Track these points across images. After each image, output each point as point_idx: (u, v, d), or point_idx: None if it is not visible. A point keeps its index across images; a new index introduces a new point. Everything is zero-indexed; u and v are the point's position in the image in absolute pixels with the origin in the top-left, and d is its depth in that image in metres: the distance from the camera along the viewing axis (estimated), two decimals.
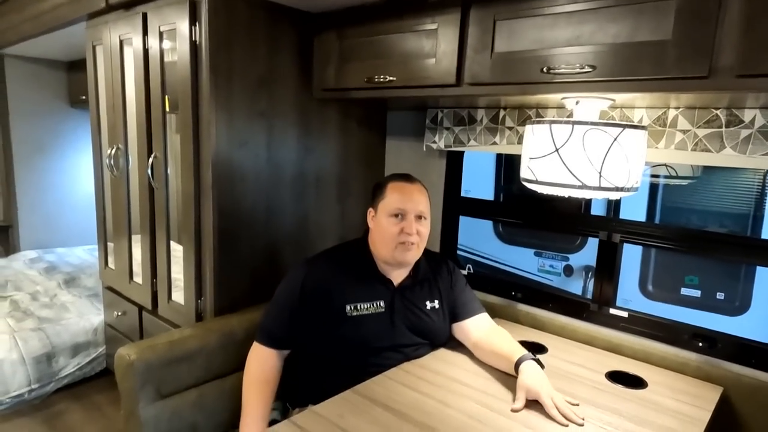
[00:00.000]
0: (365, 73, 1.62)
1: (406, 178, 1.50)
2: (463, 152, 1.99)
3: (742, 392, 1.39)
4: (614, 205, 2.25)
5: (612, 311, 1.64)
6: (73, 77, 3.46)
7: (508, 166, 2.60)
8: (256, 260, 1.76)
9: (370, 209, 1.51)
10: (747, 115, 1.27)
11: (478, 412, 1.22)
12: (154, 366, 1.36)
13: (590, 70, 1.16)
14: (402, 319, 1.48)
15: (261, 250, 1.78)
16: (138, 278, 1.98)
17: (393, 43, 1.56)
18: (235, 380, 1.50)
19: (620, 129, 1.16)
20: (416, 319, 1.50)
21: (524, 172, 1.31)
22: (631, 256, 2.41)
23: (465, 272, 2.02)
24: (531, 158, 1.27)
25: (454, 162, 2.00)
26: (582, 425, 1.17)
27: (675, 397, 1.33)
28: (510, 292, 1.86)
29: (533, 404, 1.24)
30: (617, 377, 1.42)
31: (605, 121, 1.20)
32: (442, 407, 1.24)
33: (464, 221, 2.09)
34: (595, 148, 1.17)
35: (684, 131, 1.36)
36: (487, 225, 2.78)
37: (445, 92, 1.45)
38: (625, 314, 1.62)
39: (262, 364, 1.43)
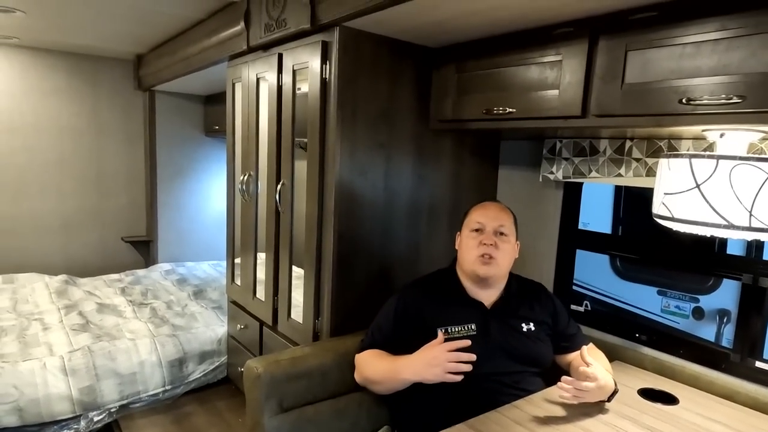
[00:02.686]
0: (484, 105, 1.63)
1: (490, 200, 1.64)
2: (581, 183, 1.91)
3: None
4: (756, 247, 2.03)
5: (759, 364, 1.47)
6: (208, 109, 3.87)
7: (628, 198, 2.45)
8: (370, 284, 1.83)
9: (458, 233, 1.59)
10: None
11: None
12: (278, 380, 1.45)
13: (739, 100, 1.08)
14: (498, 342, 1.47)
15: (375, 274, 1.84)
16: (261, 295, 2.14)
17: (513, 75, 1.56)
18: (348, 400, 1.55)
19: None
20: (513, 341, 1.49)
21: (658, 209, 1.24)
22: None
23: (582, 309, 1.92)
24: (666, 194, 1.20)
25: (572, 193, 1.93)
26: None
27: None
28: (633, 333, 1.73)
29: None
30: None
31: (756, 155, 1.10)
32: None
33: (579, 254, 2.00)
34: (745, 184, 1.07)
35: None
36: (603, 259, 2.63)
37: (569, 123, 1.42)
38: None
39: (369, 355, 1.51)
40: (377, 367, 1.48)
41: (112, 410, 2.23)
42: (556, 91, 1.43)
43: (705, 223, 1.12)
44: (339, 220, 1.71)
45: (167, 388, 2.37)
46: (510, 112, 1.55)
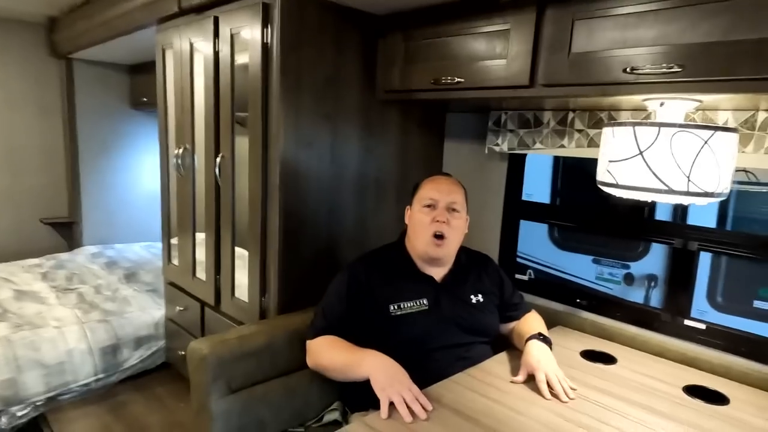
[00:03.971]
0: (431, 75, 1.61)
1: (444, 174, 1.57)
2: (525, 155, 1.95)
3: None
4: (681, 212, 2.16)
5: (687, 322, 1.57)
6: (135, 80, 3.60)
7: (566, 170, 2.54)
8: (317, 260, 1.78)
9: (408, 207, 1.56)
10: None
11: (550, 419, 1.19)
12: (226, 360, 1.39)
13: (679, 69, 1.11)
14: (449, 315, 1.48)
15: (322, 250, 1.79)
16: (201, 274, 2.03)
17: (461, 44, 1.54)
18: (300, 378, 1.51)
19: (711, 132, 1.11)
20: (463, 313, 1.51)
21: (602, 176, 1.27)
22: (699, 265, 2.32)
23: (526, 278, 1.98)
24: (611, 161, 1.23)
25: (516, 165, 1.96)
26: (566, 402, 1.26)
27: (763, 416, 1.26)
28: (574, 299, 1.81)
29: (638, 409, 1.22)
30: (696, 392, 1.36)
31: (693, 123, 1.15)
32: (514, 414, 1.21)
33: (520, 226, 2.04)
34: (684, 151, 1.12)
35: None
36: (541, 230, 2.72)
37: (517, 93, 1.43)
38: (702, 326, 1.54)
39: (327, 344, 1.43)
40: (334, 358, 1.40)
41: (37, 403, 2.06)
42: (504, 61, 1.42)
43: (647, 188, 1.16)
44: (285, 195, 1.64)
45: (100, 376, 2.22)
46: (458, 82, 1.54)
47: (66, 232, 3.72)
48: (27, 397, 2.02)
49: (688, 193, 1.13)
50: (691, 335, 1.56)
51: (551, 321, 1.80)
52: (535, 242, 2.68)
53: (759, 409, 1.29)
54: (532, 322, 1.59)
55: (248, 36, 1.62)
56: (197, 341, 1.43)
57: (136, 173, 3.79)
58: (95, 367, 2.20)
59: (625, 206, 1.59)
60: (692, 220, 2.07)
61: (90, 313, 2.43)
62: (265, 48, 1.57)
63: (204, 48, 1.83)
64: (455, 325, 1.48)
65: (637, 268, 2.44)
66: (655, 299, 2.29)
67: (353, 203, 1.86)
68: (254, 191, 1.67)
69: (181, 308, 2.21)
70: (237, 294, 1.86)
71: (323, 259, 1.80)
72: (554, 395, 1.28)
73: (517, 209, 1.98)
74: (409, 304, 1.46)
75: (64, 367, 2.12)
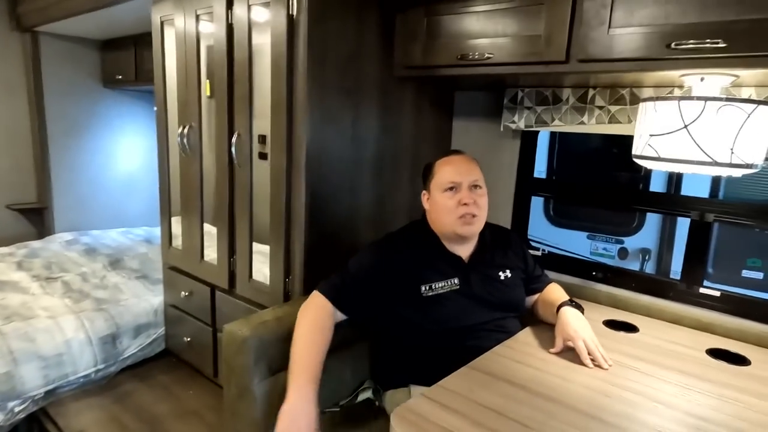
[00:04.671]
0: (458, 50, 1.60)
1: (454, 152, 1.54)
2: (537, 133, 1.98)
3: None
4: (675, 184, 2.27)
5: (702, 290, 1.66)
6: (107, 57, 3.40)
7: (562, 146, 2.60)
8: (339, 240, 1.75)
9: (424, 192, 1.53)
10: None
11: (596, 385, 1.23)
12: (267, 342, 1.36)
13: (724, 45, 1.15)
14: (479, 294, 1.47)
15: (343, 229, 1.77)
16: (211, 257, 1.97)
17: (490, 19, 1.54)
18: (334, 358, 1.48)
19: (755, 105, 1.16)
20: (493, 290, 1.50)
21: (642, 150, 1.31)
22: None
23: (539, 253, 2.02)
24: (652, 135, 1.27)
25: (529, 143, 1.99)
26: (606, 369, 1.29)
27: None
28: (589, 272, 1.87)
29: (669, 372, 1.30)
30: (719, 354, 1.44)
31: (736, 97, 1.20)
32: (562, 381, 1.24)
33: None
34: (729, 124, 1.16)
35: None
36: (537, 208, 2.79)
37: (552, 69, 1.44)
38: (717, 293, 1.63)
39: (318, 311, 1.36)
40: (294, 349, 1.31)
41: (36, 398, 1.95)
42: (539, 36, 1.43)
43: (691, 161, 1.21)
44: (310, 173, 1.60)
45: (100, 367, 2.13)
46: (488, 57, 1.54)
47: (35, 219, 3.50)
48: (25, 392, 1.91)
49: (730, 165, 1.19)
50: (705, 303, 1.64)
51: (567, 293, 1.85)
52: (532, 220, 2.75)
53: None
54: (556, 291, 1.61)
55: (271, 6, 1.55)
56: (234, 324, 1.38)
57: (110, 155, 3.60)
58: (95, 357, 2.10)
59: (623, 180, 1.65)
60: (685, 191, 2.18)
61: (81, 302, 2.32)
62: (291, 20, 1.52)
63: (216, 21, 1.74)
64: (486, 303, 1.48)
65: (631, 242, 2.55)
66: (650, 271, 2.41)
67: (371, 181, 1.84)
68: (278, 169, 1.63)
69: (186, 293, 2.13)
70: (255, 276, 1.81)
71: (344, 238, 1.77)
72: (595, 363, 1.31)
73: (529, 186, 2.01)
74: (440, 284, 1.44)
75: (62, 359, 2.01)
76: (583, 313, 1.44)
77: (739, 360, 1.42)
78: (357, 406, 1.54)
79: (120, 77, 3.28)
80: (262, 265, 1.80)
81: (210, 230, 1.98)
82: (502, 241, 1.63)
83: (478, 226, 1.47)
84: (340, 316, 1.41)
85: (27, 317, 2.10)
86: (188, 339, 2.16)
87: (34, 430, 2.05)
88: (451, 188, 1.43)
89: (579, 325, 1.38)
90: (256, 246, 1.81)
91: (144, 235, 3.51)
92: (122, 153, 3.65)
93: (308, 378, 1.27)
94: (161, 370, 2.25)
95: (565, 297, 1.53)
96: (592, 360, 1.31)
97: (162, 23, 2.03)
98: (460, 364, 1.30)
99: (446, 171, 1.46)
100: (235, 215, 1.83)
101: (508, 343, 1.44)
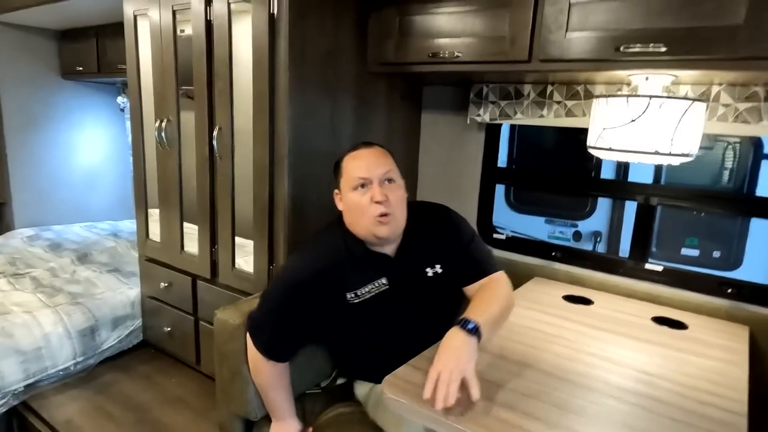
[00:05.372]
0: (429, 49, 1.71)
1: (362, 144, 1.39)
2: (500, 125, 2.13)
3: (764, 328, 1.63)
4: (623, 172, 2.48)
5: (647, 266, 1.85)
6: (66, 47, 3.32)
7: (521, 138, 2.77)
8: (319, 228, 1.84)
9: (336, 191, 1.40)
10: None
11: (564, 352, 1.39)
12: None
13: (665, 49, 1.32)
14: (405, 293, 1.39)
15: (323, 216, 1.85)
16: (191, 248, 2.02)
17: (460, 20, 1.65)
18: (314, 346, 1.57)
19: (690, 102, 1.33)
20: (423, 289, 1.41)
21: (596, 142, 1.47)
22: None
23: (503, 236, 2.18)
24: (605, 128, 1.43)
25: (493, 135, 2.13)
26: (441, 409, 1.03)
27: (715, 336, 1.56)
28: (550, 253, 2.04)
29: (621, 337, 1.46)
30: (662, 321, 1.64)
31: (673, 95, 1.37)
32: (532, 349, 1.39)
33: None
34: (669, 118, 1.33)
35: (726, 105, 1.55)
36: (498, 196, 2.96)
37: (516, 68, 1.58)
38: (660, 268, 1.83)
39: (266, 370, 1.38)
40: (264, 394, 1.42)
41: (16, 392, 1.96)
42: (504, 37, 1.56)
43: (637, 151, 1.37)
44: (293, 164, 1.68)
45: (79, 359, 2.15)
46: (457, 56, 1.66)
47: None
48: (5, 386, 1.92)
49: (670, 155, 1.36)
50: (651, 277, 1.84)
51: (528, 274, 2.03)
52: (495, 208, 2.92)
53: (712, 330, 1.59)
54: (484, 296, 1.33)
55: (250, 6, 1.62)
56: (225, 312, 1.47)
57: (71, 149, 3.53)
58: (74, 350, 2.12)
59: (577, 168, 1.82)
60: (632, 178, 2.40)
61: (55, 297, 2.31)
62: (272, 19, 1.59)
63: (194, 17, 1.78)
64: (414, 301, 1.40)
65: (584, 226, 2.76)
66: (601, 251, 2.62)
67: None
68: (260, 161, 1.70)
69: (165, 284, 2.17)
70: (238, 265, 1.88)
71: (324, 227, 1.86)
72: (432, 395, 1.04)
73: (493, 175, 2.16)
74: (366, 288, 1.35)
75: (41, 353, 2.02)
76: (478, 336, 1.15)
77: (679, 325, 1.62)
78: (336, 388, 1.64)
79: (81, 69, 3.22)
80: (244, 254, 1.87)
81: (190, 221, 2.02)
82: (433, 225, 1.45)
83: (396, 224, 1.33)
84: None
85: (1, 313, 2.09)
86: (168, 329, 2.20)
87: (13, 424, 2.06)
88: (361, 185, 1.30)
89: (449, 355, 1.09)
90: (238, 238, 1.87)
91: (109, 230, 3.48)
92: (83, 146, 3.58)
93: (283, 413, 1.43)
94: (141, 361, 2.28)
95: (486, 307, 1.27)
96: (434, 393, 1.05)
97: (135, 18, 2.04)
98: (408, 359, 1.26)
99: (354, 167, 1.33)
100: (216, 206, 1.89)
101: None
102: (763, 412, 1.50)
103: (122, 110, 3.63)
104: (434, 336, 1.27)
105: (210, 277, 1.97)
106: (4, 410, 1.95)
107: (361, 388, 1.53)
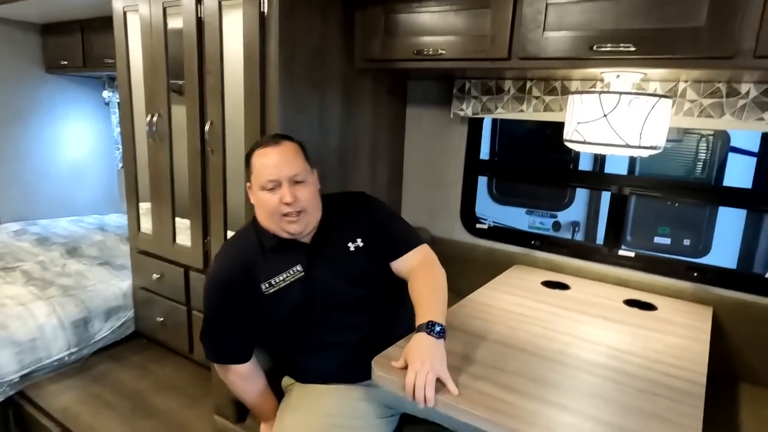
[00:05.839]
0: (414, 46, 1.78)
1: (272, 141, 1.36)
2: (482, 120, 2.21)
3: (727, 309, 1.75)
4: (600, 164, 2.60)
5: (621, 252, 1.96)
6: (49, 41, 3.31)
7: (503, 130, 2.86)
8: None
9: (248, 184, 1.39)
10: (743, 88, 1.58)
11: (540, 332, 1.48)
12: None
13: (634, 48, 1.41)
14: (330, 273, 1.38)
15: None
16: (184, 240, 2.07)
17: (443, 19, 1.73)
18: None
19: (657, 98, 1.43)
20: (345, 266, 1.40)
21: (571, 135, 1.56)
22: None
23: (485, 226, 2.27)
24: (579, 123, 1.52)
25: (475, 128, 2.22)
26: (423, 407, 1.10)
27: (681, 316, 1.67)
28: (530, 241, 2.14)
29: (594, 318, 1.55)
30: (633, 303, 1.75)
31: (643, 92, 1.47)
32: (509, 330, 1.49)
33: None
34: (638, 113, 1.43)
35: (691, 101, 1.66)
36: (481, 187, 3.05)
37: (496, 65, 1.66)
38: (632, 254, 1.94)
39: (235, 380, 1.42)
40: (246, 401, 1.49)
41: (12, 382, 2.00)
42: (485, 36, 1.64)
43: (609, 144, 1.47)
44: None
45: (73, 350, 2.19)
46: (441, 54, 1.74)
47: None
48: (1, 376, 1.95)
49: (639, 147, 1.46)
50: (624, 263, 1.95)
51: (509, 261, 2.13)
52: (477, 200, 3.02)
53: (678, 311, 1.71)
54: (428, 288, 1.34)
55: (240, 2, 1.67)
56: None
57: (56, 143, 3.53)
58: (68, 340, 2.16)
59: (556, 161, 1.92)
60: (608, 170, 2.51)
61: (47, 289, 2.34)
62: (262, 17, 1.64)
63: (185, 14, 1.83)
64: (343, 279, 1.39)
65: (563, 216, 2.88)
66: (580, 239, 2.74)
67: (336, 166, 2.01)
68: None
69: (158, 275, 2.22)
70: None
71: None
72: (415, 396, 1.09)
73: (476, 167, 2.25)
74: (281, 277, 1.35)
75: (36, 344, 2.06)
76: (443, 336, 1.20)
77: (649, 307, 1.73)
78: None
79: (65, 63, 3.21)
80: None
81: (182, 214, 2.07)
82: (352, 208, 1.49)
83: (308, 219, 1.35)
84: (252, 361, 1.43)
85: None
86: (161, 319, 2.25)
87: (9, 413, 2.10)
88: (270, 187, 1.31)
89: (423, 359, 1.12)
90: (230, 232, 1.93)
91: (96, 224, 3.49)
92: (68, 141, 3.58)
93: (266, 411, 1.48)
94: (134, 351, 2.33)
95: (426, 312, 1.25)
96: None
97: (125, 13, 2.08)
98: (341, 351, 1.36)
99: (263, 167, 1.32)
100: (208, 197, 1.94)
101: (463, 302, 1.68)
102: (723, 381, 1.63)
103: (107, 104, 3.64)
104: (357, 329, 1.37)
105: (203, 267, 2.02)
106: (1, 399, 1.98)
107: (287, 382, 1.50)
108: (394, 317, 1.44)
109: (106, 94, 3.49)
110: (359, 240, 1.42)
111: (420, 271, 1.40)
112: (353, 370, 1.36)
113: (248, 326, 1.39)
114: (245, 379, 1.44)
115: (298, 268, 1.36)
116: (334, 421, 1.29)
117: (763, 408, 1.59)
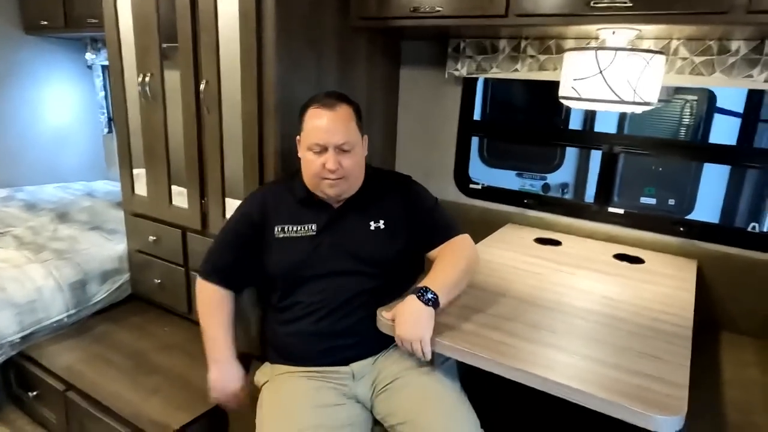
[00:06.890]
0: (411, 3, 1.77)
1: (328, 101, 1.36)
2: (477, 79, 2.22)
3: (711, 262, 1.83)
4: (590, 122, 2.64)
5: (610, 210, 2.02)
6: (28, 0, 3.19)
7: (495, 92, 2.87)
8: None
9: (298, 138, 1.43)
10: (734, 45, 1.61)
11: (535, 283, 1.55)
12: None
13: (630, 4, 1.43)
14: (338, 242, 1.40)
15: None
16: (180, 202, 2.07)
17: None
18: None
19: (652, 54, 1.46)
20: (356, 240, 1.41)
21: (566, 92, 1.59)
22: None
23: (479, 186, 2.31)
24: (575, 79, 1.55)
25: (469, 88, 2.23)
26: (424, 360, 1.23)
27: (668, 268, 1.75)
28: (522, 200, 2.18)
29: (586, 271, 1.61)
30: (622, 257, 1.82)
31: (637, 48, 1.49)
32: (506, 282, 1.55)
33: None
34: (633, 70, 1.46)
35: (683, 58, 1.69)
36: (472, 150, 3.08)
37: (494, 22, 1.67)
38: (621, 211, 2.00)
39: (204, 300, 1.49)
40: (204, 328, 1.49)
41: (13, 342, 2.02)
42: None
43: (604, 100, 1.50)
44: (281, 117, 1.74)
45: (71, 312, 2.20)
46: (437, 11, 1.73)
47: None
48: (2, 337, 1.97)
49: (633, 103, 1.49)
50: (613, 219, 2.01)
51: (503, 220, 2.18)
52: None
53: (665, 264, 1.79)
54: (445, 261, 1.37)
55: None
56: None
57: (38, 107, 3.44)
58: (66, 303, 2.17)
59: (547, 121, 1.94)
60: (598, 129, 2.56)
61: (41, 253, 2.33)
62: None
63: None
64: (343, 252, 1.40)
65: (553, 178, 2.93)
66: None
67: None
68: (250, 113, 1.75)
69: (154, 238, 2.23)
70: (228, 215, 1.95)
71: None
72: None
73: (469, 128, 2.27)
74: (295, 228, 1.41)
75: (35, 305, 2.07)
76: (435, 305, 1.21)
77: (637, 260, 1.80)
78: None
79: (45, 23, 3.11)
80: (235, 205, 1.93)
81: (177, 178, 2.07)
82: (392, 189, 1.49)
83: (348, 185, 1.38)
84: (231, 294, 1.49)
85: None
86: (159, 281, 2.27)
87: (10, 374, 2.12)
88: (317, 151, 1.33)
89: (409, 323, 1.18)
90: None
91: (83, 190, 3.46)
92: (51, 105, 3.49)
93: (220, 350, 1.47)
94: (132, 313, 2.35)
95: (443, 274, 1.30)
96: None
97: None
98: (320, 325, 1.37)
99: (313, 130, 1.34)
100: (204, 158, 1.94)
101: None
102: (706, 330, 1.72)
103: (90, 67, 3.55)
104: (346, 305, 1.37)
105: (201, 228, 2.04)
106: (3, 359, 2.00)
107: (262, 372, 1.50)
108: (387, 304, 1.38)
109: (89, 56, 3.40)
110: (381, 222, 1.43)
111: (448, 250, 1.41)
112: (330, 351, 1.37)
113: (248, 257, 1.45)
114: (217, 304, 1.48)
115: (313, 227, 1.41)
116: None
117: (742, 353, 1.69)
